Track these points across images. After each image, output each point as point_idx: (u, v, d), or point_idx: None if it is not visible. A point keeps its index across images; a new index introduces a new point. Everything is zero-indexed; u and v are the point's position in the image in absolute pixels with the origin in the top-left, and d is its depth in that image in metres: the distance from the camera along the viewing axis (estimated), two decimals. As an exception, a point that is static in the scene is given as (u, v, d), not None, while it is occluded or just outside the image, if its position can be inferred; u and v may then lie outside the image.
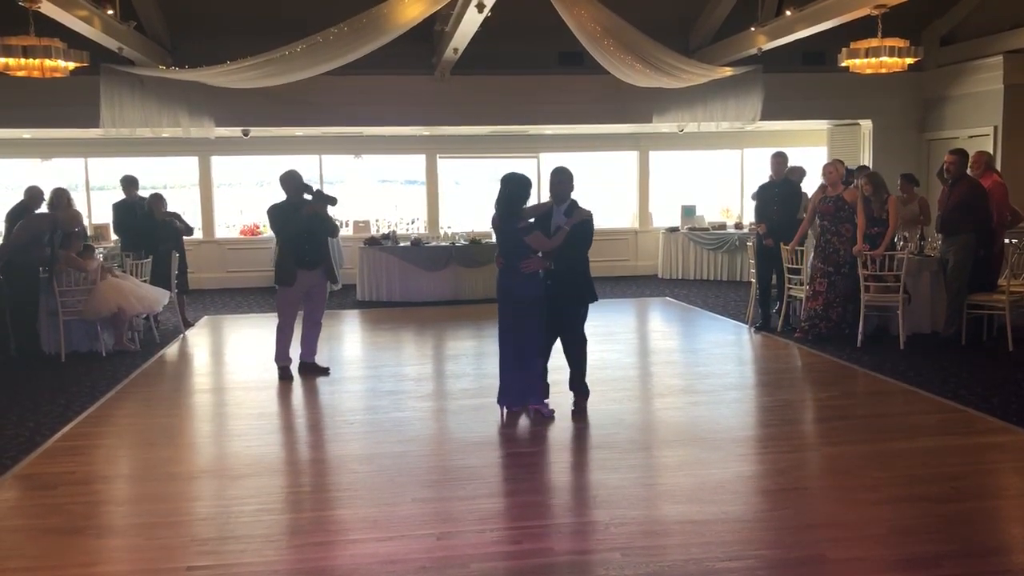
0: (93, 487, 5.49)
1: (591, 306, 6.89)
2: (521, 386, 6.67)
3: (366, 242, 13.50)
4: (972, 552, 4.29)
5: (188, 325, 11.06)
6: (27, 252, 9.01)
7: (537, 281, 6.63)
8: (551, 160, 14.85)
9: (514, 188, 6.60)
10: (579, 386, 6.93)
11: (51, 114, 12.56)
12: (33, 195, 9.45)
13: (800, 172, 10.56)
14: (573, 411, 6.81)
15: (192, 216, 11.90)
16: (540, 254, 6.59)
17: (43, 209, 9.56)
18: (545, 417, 6.64)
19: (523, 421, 6.64)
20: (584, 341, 6.90)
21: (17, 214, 9.48)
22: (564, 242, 6.56)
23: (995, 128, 12.72)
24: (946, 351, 8.67)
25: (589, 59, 11.49)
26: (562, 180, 6.78)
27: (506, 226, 6.59)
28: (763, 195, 10.18)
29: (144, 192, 11.21)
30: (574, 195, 6.86)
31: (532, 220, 6.68)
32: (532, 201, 6.97)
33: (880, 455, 5.72)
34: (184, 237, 11.15)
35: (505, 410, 6.74)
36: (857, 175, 10.25)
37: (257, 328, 11.30)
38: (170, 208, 10.93)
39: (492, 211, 6.72)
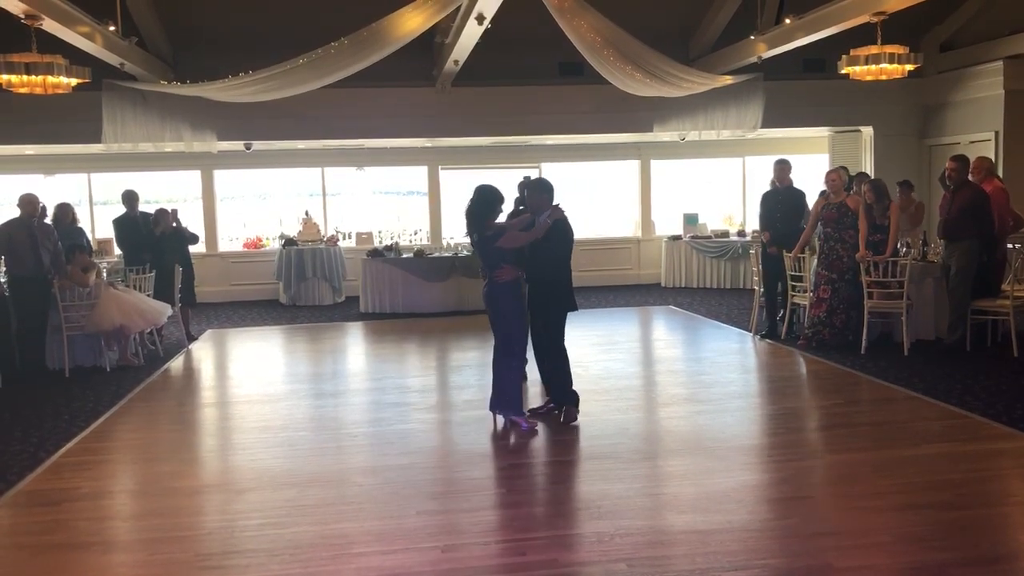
0: (98, 503, 5.48)
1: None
2: (504, 394, 6.66)
3: (369, 254, 13.52)
4: (978, 559, 4.27)
5: (192, 339, 11.08)
6: (16, 261, 8.98)
7: (516, 291, 6.59)
8: (553, 170, 14.90)
9: (479, 199, 6.55)
10: (563, 396, 6.83)
11: (54, 130, 12.62)
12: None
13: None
14: (562, 421, 6.75)
15: (195, 230, 11.91)
16: (511, 263, 6.53)
17: (47, 220, 9.60)
18: (523, 430, 6.60)
19: (532, 432, 6.63)
20: (561, 351, 6.80)
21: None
22: (540, 247, 6.51)
23: (996, 133, 12.72)
24: (950, 357, 8.65)
25: (589, 69, 11.52)
26: (532, 193, 6.76)
27: (474, 236, 6.62)
28: (767, 202, 10.17)
29: (148, 206, 11.25)
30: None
31: (500, 225, 6.64)
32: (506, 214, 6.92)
33: (885, 462, 5.71)
34: (190, 248, 11.19)
35: (500, 418, 6.73)
36: (856, 182, 10.24)
37: (261, 341, 11.32)
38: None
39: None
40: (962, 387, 7.50)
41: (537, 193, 6.78)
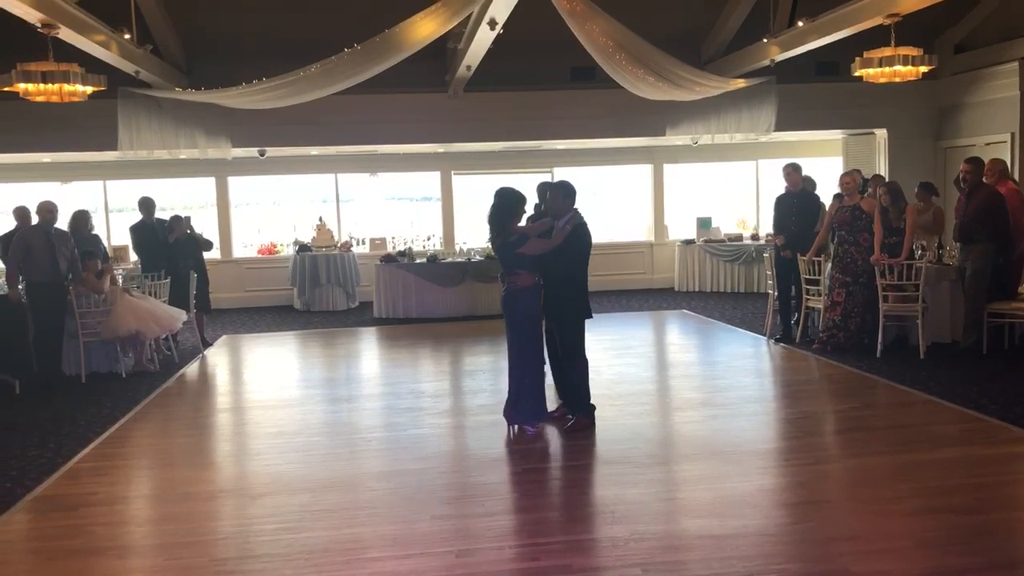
0: (114, 508, 5.51)
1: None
2: (520, 403, 6.65)
3: (382, 259, 13.56)
4: (997, 564, 4.24)
5: (207, 344, 11.13)
6: (33, 268, 9.04)
7: (533, 298, 6.57)
8: (565, 174, 14.88)
9: (501, 203, 6.53)
10: (577, 406, 6.77)
11: (70, 138, 12.73)
12: (23, 215, 9.47)
13: (811, 182, 10.51)
14: (566, 428, 6.71)
15: (210, 236, 12.02)
16: (529, 269, 6.51)
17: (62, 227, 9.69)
18: (529, 435, 6.60)
19: (540, 437, 6.62)
20: (578, 359, 6.73)
21: (9, 238, 9.58)
22: (557, 251, 6.48)
23: (1012, 135, 12.63)
24: (967, 360, 8.59)
25: (601, 73, 11.51)
26: (556, 195, 6.69)
27: (497, 241, 6.60)
28: (780, 206, 10.13)
29: (162, 213, 11.33)
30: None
31: (522, 230, 6.62)
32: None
33: (902, 466, 5.67)
34: (205, 254, 11.27)
35: (515, 427, 6.72)
36: (872, 184, 10.19)
37: (276, 347, 11.35)
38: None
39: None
40: (979, 390, 7.45)
41: (559, 197, 6.67)
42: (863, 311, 9.18)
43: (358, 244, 15.36)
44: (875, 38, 9.94)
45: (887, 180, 10.23)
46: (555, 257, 6.53)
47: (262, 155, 14.23)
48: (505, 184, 6.86)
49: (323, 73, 10.46)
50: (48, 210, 9.26)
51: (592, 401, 6.84)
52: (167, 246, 10.70)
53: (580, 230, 6.56)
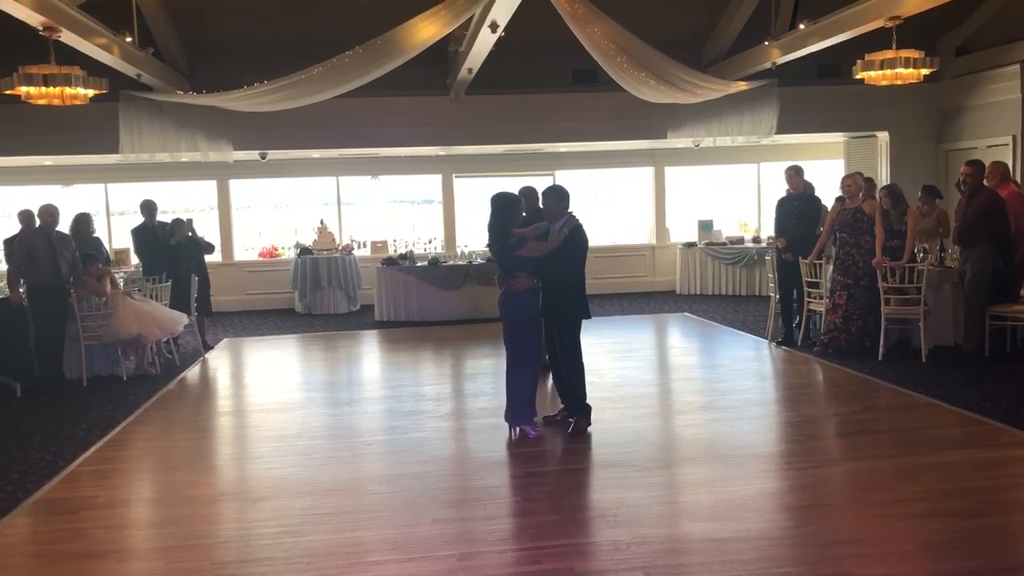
0: (115, 511, 5.51)
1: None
2: (517, 404, 6.67)
3: (384, 262, 13.55)
4: (1000, 568, 4.23)
5: (208, 348, 11.13)
6: (35, 271, 9.04)
7: (532, 300, 6.61)
8: (567, 177, 14.90)
9: (502, 207, 6.59)
10: (575, 407, 6.81)
11: (72, 141, 12.72)
12: (27, 218, 9.47)
13: (810, 187, 10.51)
14: (569, 432, 6.72)
15: (211, 239, 12.02)
16: (528, 272, 6.55)
17: (64, 230, 9.69)
18: (531, 438, 6.60)
19: (541, 440, 6.61)
20: (577, 362, 6.78)
21: (12, 242, 9.57)
22: (554, 254, 6.51)
23: (1013, 138, 12.62)
24: (969, 363, 8.57)
25: (603, 76, 11.52)
26: (550, 199, 6.74)
27: (497, 244, 6.63)
28: (782, 209, 10.12)
29: (164, 216, 11.35)
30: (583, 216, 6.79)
31: (521, 233, 6.64)
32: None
33: (904, 470, 5.66)
34: (206, 258, 11.27)
35: (517, 430, 6.72)
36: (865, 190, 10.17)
37: (277, 350, 11.35)
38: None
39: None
40: (981, 393, 7.43)
41: (555, 201, 6.73)
42: (865, 314, 9.17)
43: (359, 247, 15.37)
44: (877, 41, 9.94)
45: (888, 183, 10.22)
46: (553, 259, 6.56)
47: (263, 158, 14.23)
48: (505, 187, 6.91)
49: (324, 76, 10.45)
50: (50, 213, 9.27)
51: (592, 403, 6.84)
52: (168, 249, 10.71)
53: (576, 232, 6.60)
